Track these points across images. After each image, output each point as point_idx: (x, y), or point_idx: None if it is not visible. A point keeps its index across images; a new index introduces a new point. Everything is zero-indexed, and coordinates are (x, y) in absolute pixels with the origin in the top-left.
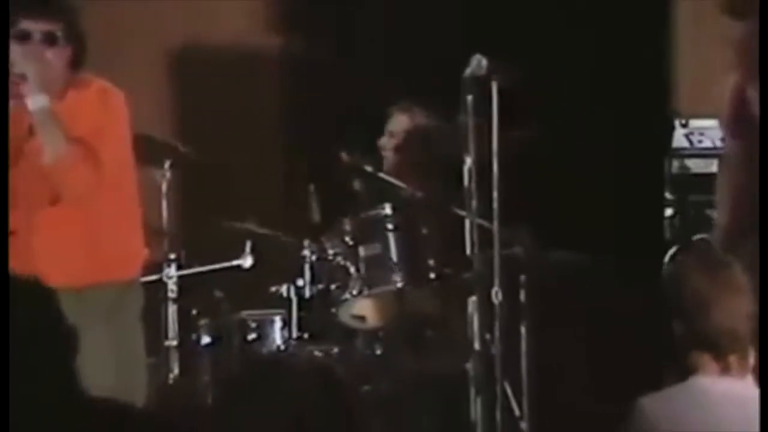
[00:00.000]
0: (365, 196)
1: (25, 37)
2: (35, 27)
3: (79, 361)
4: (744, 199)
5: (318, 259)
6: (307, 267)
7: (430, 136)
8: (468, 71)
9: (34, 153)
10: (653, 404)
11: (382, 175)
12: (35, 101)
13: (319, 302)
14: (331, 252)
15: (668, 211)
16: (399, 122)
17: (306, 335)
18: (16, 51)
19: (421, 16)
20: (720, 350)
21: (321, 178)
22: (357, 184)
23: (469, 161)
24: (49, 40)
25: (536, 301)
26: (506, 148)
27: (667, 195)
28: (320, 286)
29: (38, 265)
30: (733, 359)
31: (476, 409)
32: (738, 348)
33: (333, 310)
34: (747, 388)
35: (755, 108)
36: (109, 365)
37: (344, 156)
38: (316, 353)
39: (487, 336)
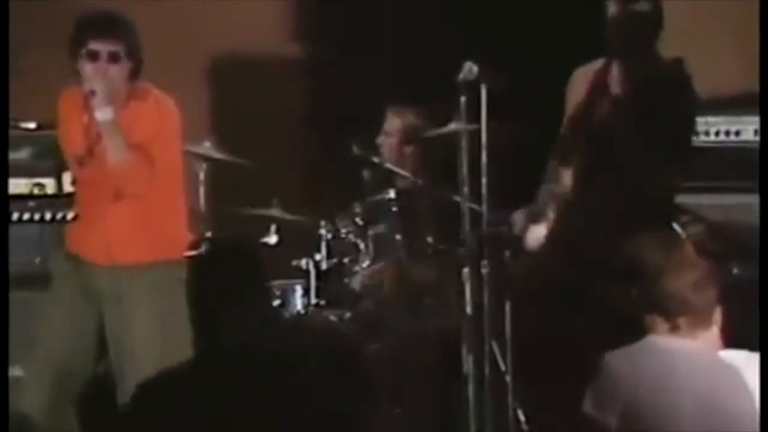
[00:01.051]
0: (373, 184)
1: (94, 56)
2: (102, 47)
3: (138, 325)
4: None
5: (333, 237)
6: (323, 244)
7: (420, 134)
8: (460, 76)
9: (102, 156)
10: (616, 359)
11: (387, 165)
12: (102, 113)
13: (333, 274)
14: (344, 231)
15: None
16: (392, 123)
17: (322, 302)
18: (86, 69)
19: (420, 29)
20: (670, 314)
21: (335, 169)
22: (365, 174)
23: (463, 152)
24: (114, 58)
25: (519, 272)
26: (493, 143)
27: None
28: (335, 260)
29: (103, 247)
30: (682, 321)
31: (468, 364)
32: (686, 311)
33: (346, 280)
34: (694, 345)
35: (615, 86)
36: (161, 328)
37: (354, 149)
38: (331, 317)
39: (477, 302)
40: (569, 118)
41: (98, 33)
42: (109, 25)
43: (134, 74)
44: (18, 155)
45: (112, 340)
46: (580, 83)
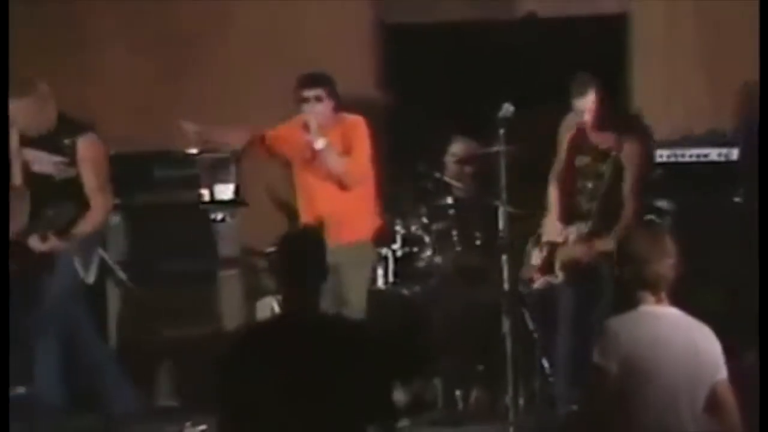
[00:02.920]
0: (436, 191)
1: (305, 99)
2: (310, 93)
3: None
4: None
5: (406, 232)
6: (398, 237)
7: (475, 155)
8: (500, 114)
9: (318, 165)
10: (616, 323)
11: (446, 178)
12: (318, 144)
13: (406, 259)
14: (413, 228)
15: None
16: (456, 146)
17: (398, 280)
18: (303, 108)
19: (472, 80)
20: (655, 288)
21: (409, 182)
22: (430, 185)
23: (502, 170)
24: (318, 99)
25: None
26: (525, 162)
27: None
28: (407, 249)
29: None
30: (663, 295)
31: (506, 326)
32: (666, 287)
33: (415, 264)
34: (674, 311)
35: (594, 138)
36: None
37: (423, 166)
38: (404, 291)
39: (513, 280)
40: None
41: (307, 84)
42: (315, 79)
43: (336, 109)
44: (183, 172)
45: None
46: (567, 131)
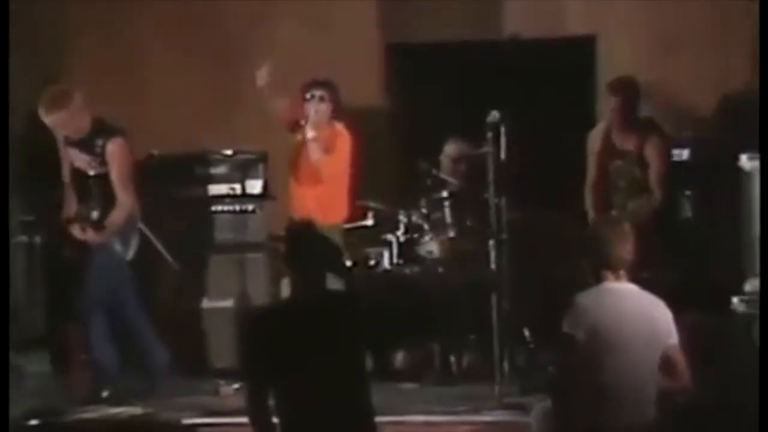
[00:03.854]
0: (433, 186)
1: (310, 97)
2: (315, 92)
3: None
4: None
5: (407, 220)
6: (401, 225)
7: (466, 155)
8: (488, 119)
9: (306, 155)
10: (582, 298)
11: (442, 175)
12: (309, 133)
13: (408, 244)
14: (414, 217)
15: None
16: (450, 148)
17: (401, 261)
18: (305, 105)
19: (465, 90)
20: (615, 268)
21: (410, 177)
22: (428, 180)
23: (490, 167)
24: (321, 99)
25: (526, 241)
26: (509, 161)
27: None
28: (409, 235)
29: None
30: (621, 273)
31: (493, 300)
32: (624, 266)
33: (416, 248)
34: (631, 287)
35: (620, 142)
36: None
37: (422, 164)
38: (406, 271)
39: (499, 262)
40: (595, 164)
41: (314, 85)
42: (320, 81)
43: (335, 111)
44: (218, 170)
45: None
46: (595, 141)
